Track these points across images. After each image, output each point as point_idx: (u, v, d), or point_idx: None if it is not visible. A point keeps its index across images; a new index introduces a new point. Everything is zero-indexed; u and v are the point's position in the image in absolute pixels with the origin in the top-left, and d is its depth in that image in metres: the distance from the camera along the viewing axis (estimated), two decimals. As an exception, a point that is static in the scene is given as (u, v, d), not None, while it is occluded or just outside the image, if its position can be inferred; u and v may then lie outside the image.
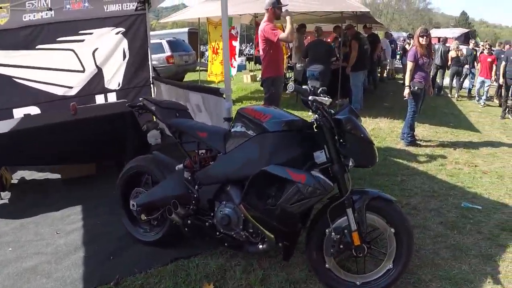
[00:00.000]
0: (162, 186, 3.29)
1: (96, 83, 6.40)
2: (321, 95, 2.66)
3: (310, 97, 2.60)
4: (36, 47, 5.73)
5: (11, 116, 5.77)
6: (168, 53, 14.67)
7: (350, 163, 2.54)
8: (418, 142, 6.92)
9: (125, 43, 6.39)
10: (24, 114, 5.80)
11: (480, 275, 3.08)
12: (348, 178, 2.62)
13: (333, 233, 2.63)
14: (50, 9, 5.50)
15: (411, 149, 6.64)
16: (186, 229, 3.13)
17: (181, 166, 3.18)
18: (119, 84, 6.60)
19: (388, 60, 15.53)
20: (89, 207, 4.43)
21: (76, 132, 4.86)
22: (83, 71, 6.19)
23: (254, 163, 2.62)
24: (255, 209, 2.67)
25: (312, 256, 2.77)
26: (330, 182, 2.50)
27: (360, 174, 5.17)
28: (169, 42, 15.28)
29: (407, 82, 6.49)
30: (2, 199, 4.91)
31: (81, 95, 6.26)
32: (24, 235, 3.99)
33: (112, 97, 6.59)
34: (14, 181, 5.48)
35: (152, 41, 14.64)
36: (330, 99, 2.62)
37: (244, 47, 26.24)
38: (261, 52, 5.63)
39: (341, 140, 2.56)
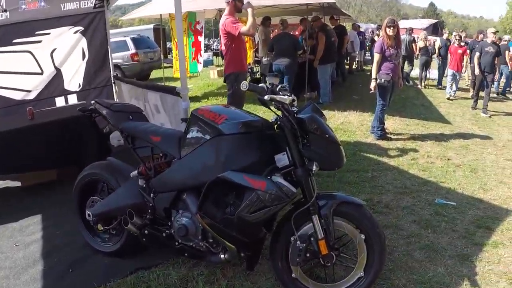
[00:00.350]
0: (117, 194, 3.13)
1: (56, 85, 6.17)
2: (281, 92, 2.47)
3: (266, 96, 2.42)
4: (-8, 50, 5.49)
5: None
6: (132, 50, 14.42)
7: (314, 167, 2.40)
8: (389, 135, 6.85)
9: (84, 42, 6.17)
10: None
11: (456, 277, 3.00)
12: (312, 182, 2.48)
13: (298, 242, 2.48)
14: (5, 10, 5.25)
15: (382, 143, 6.56)
16: (144, 239, 3.02)
17: (135, 173, 3.00)
18: (79, 85, 6.39)
19: (357, 52, 15.60)
20: (49, 216, 4.27)
21: (34, 138, 4.70)
22: (41, 73, 5.96)
23: (209, 169, 2.46)
24: (212, 219, 2.50)
25: (277, 265, 2.64)
26: (293, 188, 2.35)
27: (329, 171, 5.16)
28: (133, 39, 14.96)
29: (373, 75, 6.42)
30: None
31: (40, 99, 6.04)
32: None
33: (72, 99, 6.36)
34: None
35: (116, 39, 14.31)
36: (291, 97, 2.46)
37: (212, 42, 25.97)
38: (223, 47, 5.56)
39: (304, 141, 2.42)
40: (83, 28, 6.07)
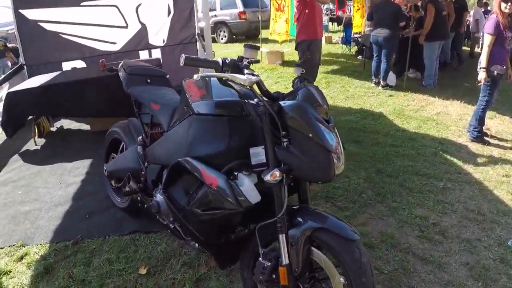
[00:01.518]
0: (124, 156, 3.20)
1: (140, 39, 6.47)
2: (246, 70, 1.94)
3: (198, 76, 1.93)
4: (81, 4, 5.95)
5: (61, 69, 6.19)
6: (240, 8, 14.16)
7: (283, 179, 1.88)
8: (487, 138, 5.43)
9: (170, -1, 6.26)
10: (72, 67, 6.15)
11: None
12: (284, 192, 1.91)
13: (261, 258, 2.02)
14: (93, -35, 5.61)
15: (475, 146, 5.24)
16: (139, 204, 3.03)
17: (140, 138, 2.92)
18: (163, 41, 6.59)
19: (481, 33, 13.20)
20: (97, 163, 4.59)
21: (105, 88, 5.01)
22: (126, 27, 6.30)
23: (178, 150, 2.20)
24: (173, 204, 2.30)
25: (244, 274, 2.28)
26: (254, 197, 1.90)
27: (393, 168, 4.33)
28: None
29: (483, 63, 4.96)
30: (36, 145, 5.37)
31: (124, 51, 6.42)
32: (35, 181, 4.35)
33: (156, 53, 6.63)
34: (54, 129, 5.94)
35: None
36: (255, 77, 1.84)
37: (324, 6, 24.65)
38: (295, 11, 5.15)
39: (285, 139, 1.89)
40: (168, -16, 6.12)
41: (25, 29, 6.09)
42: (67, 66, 6.21)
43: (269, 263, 1.97)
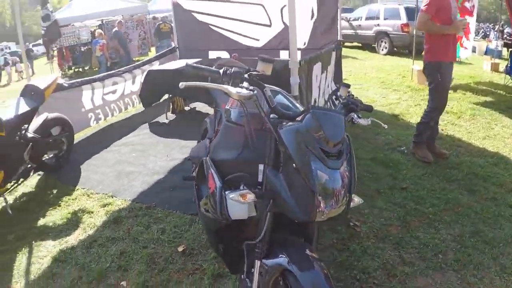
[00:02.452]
0: (198, 145, 3.36)
1: (282, 39, 6.70)
2: (245, 82, 1.80)
3: (182, 84, 1.78)
4: (231, 0, 6.51)
5: (207, 56, 6.91)
6: (403, 20, 13.07)
7: (269, 205, 1.73)
8: None
9: (314, 2, 6.33)
10: (217, 56, 6.79)
11: None
12: (267, 219, 1.75)
13: (243, 276, 1.95)
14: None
15: None
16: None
17: (212, 132, 2.93)
18: (304, 43, 6.69)
19: None
20: (202, 144, 5.02)
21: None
22: (270, 26, 6.64)
23: (207, 149, 2.32)
24: (197, 198, 2.32)
25: (239, 277, 2.15)
26: (236, 212, 1.81)
27: (495, 235, 3.12)
28: (407, 9, 13.28)
29: None
30: (166, 119, 6.14)
31: (266, 48, 6.79)
32: (149, 149, 5.03)
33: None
34: (188, 108, 6.67)
35: (389, 6, 13.29)
36: (244, 92, 1.68)
37: (488, 27, 20.84)
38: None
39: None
40: (314, -11, 6.20)
41: (180, 17, 6.96)
42: (212, 54, 6.89)
43: (248, 284, 1.89)
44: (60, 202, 3.86)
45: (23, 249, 3.15)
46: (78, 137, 5.52)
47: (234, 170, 1.94)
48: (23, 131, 4.02)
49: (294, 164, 1.57)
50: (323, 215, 1.57)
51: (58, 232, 3.36)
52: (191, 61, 5.86)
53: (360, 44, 14.75)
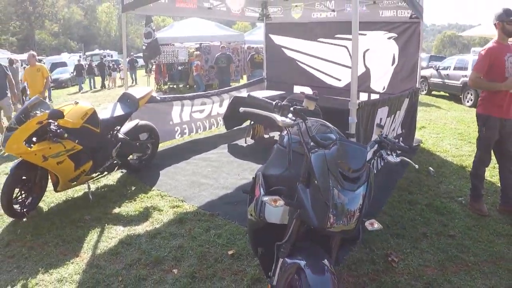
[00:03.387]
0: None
1: (363, 81, 6.90)
2: (291, 114, 2.23)
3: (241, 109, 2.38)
4: (318, 39, 6.87)
5: (292, 90, 7.27)
6: None
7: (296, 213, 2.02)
8: None
9: (395, 49, 6.49)
10: (300, 91, 7.12)
11: None
12: (292, 223, 2.03)
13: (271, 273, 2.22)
14: (333, 10, 6.42)
15: None
16: None
17: None
18: (383, 88, 6.85)
19: None
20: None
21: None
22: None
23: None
24: None
25: (268, 275, 2.39)
26: (272, 217, 2.11)
27: None
28: None
29: None
30: (245, 143, 6.52)
31: (347, 89, 6.94)
32: (224, 167, 5.46)
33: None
34: (267, 136, 6.99)
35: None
36: (287, 121, 2.13)
37: None
38: None
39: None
40: (396, 35, 6.40)
41: (271, 50, 7.45)
42: (296, 89, 7.24)
43: (272, 280, 2.15)
44: (135, 197, 4.33)
45: (96, 228, 3.64)
46: (163, 146, 6.12)
47: (278, 184, 2.26)
48: (115, 132, 4.61)
49: (316, 181, 1.87)
50: (334, 227, 1.83)
51: (129, 221, 3.78)
52: (275, 93, 6.27)
53: (447, 94, 14.21)
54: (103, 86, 20.56)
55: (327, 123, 2.59)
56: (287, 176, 2.20)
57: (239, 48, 17.15)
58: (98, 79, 20.88)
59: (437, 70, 14.58)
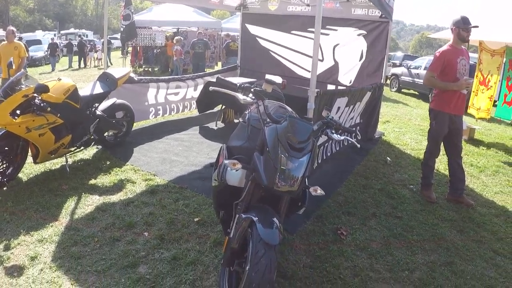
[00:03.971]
0: None
1: (331, 74, 7.35)
2: (250, 93, 2.67)
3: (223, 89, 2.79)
4: (291, 32, 7.23)
5: (263, 78, 7.59)
6: None
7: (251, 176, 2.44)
8: None
9: (364, 45, 6.90)
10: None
11: None
12: (248, 185, 2.43)
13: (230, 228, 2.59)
14: (308, 5, 6.80)
15: None
16: None
17: None
18: (350, 81, 7.27)
19: None
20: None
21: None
22: (322, 61, 7.26)
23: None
24: None
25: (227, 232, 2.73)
26: (231, 179, 2.48)
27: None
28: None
29: None
30: (215, 126, 6.87)
31: (316, 81, 7.34)
32: (194, 146, 5.79)
33: (341, 90, 7.36)
34: (236, 121, 7.35)
35: None
36: (248, 99, 2.61)
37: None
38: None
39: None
40: (366, 33, 6.82)
41: (246, 39, 7.78)
42: (268, 77, 7.56)
43: (230, 233, 2.48)
44: (110, 171, 4.63)
45: (73, 197, 3.95)
46: (137, 125, 6.39)
47: (239, 154, 2.64)
48: (94, 108, 4.86)
49: (268, 149, 2.29)
50: (280, 187, 2.25)
51: (104, 191, 4.10)
52: (247, 80, 6.61)
53: (416, 92, 14.88)
54: (84, 65, 20.41)
55: (286, 106, 2.99)
56: (246, 147, 2.60)
57: (215, 35, 17.36)
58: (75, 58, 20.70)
59: (408, 68, 15.21)
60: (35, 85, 3.89)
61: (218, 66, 16.23)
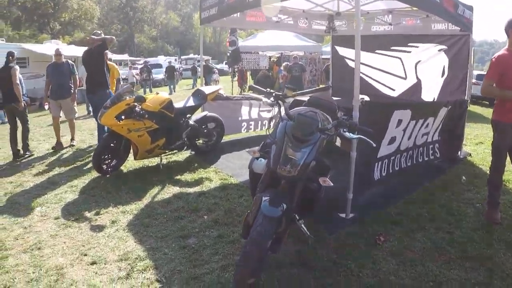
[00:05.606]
0: None
1: (414, 92, 7.34)
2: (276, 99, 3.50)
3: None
4: (375, 51, 7.46)
5: (352, 97, 7.89)
6: None
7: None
8: None
9: (445, 61, 6.78)
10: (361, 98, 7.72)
11: None
12: (266, 171, 2.98)
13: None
14: (390, 24, 6.99)
15: None
16: None
17: None
18: (433, 99, 7.06)
19: None
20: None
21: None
22: (405, 78, 7.35)
23: None
24: None
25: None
26: (256, 168, 3.11)
27: None
28: None
29: None
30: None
31: (399, 98, 7.42)
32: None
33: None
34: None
35: None
36: (269, 101, 3.49)
37: None
38: None
39: None
40: (446, 48, 6.72)
41: (336, 60, 8.20)
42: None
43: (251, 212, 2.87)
44: (195, 170, 5.52)
45: (159, 186, 4.93)
46: (230, 137, 7.33)
47: (269, 148, 3.07)
48: (186, 119, 5.81)
49: (276, 140, 2.85)
50: (282, 171, 2.71)
51: (185, 184, 4.99)
52: (335, 99, 6.95)
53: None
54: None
55: (316, 110, 3.38)
56: (271, 142, 3.08)
57: (316, 58, 17.97)
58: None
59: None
60: (135, 96, 4.96)
61: (320, 88, 16.71)
